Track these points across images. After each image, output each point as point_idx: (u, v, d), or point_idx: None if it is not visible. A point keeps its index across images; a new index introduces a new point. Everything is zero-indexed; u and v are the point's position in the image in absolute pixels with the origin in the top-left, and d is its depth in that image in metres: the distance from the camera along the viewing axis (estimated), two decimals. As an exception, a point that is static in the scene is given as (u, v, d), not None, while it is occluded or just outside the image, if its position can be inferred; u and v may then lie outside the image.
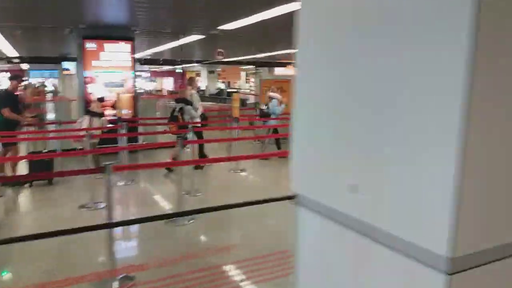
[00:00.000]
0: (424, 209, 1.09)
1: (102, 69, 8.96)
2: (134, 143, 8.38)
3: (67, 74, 17.02)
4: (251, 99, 17.64)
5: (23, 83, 10.97)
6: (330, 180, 1.46)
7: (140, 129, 9.38)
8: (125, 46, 9.10)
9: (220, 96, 22.39)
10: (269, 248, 3.92)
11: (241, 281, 3.54)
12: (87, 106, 8.32)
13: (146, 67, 23.39)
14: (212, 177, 7.53)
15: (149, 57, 16.01)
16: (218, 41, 11.10)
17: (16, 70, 21.71)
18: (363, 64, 1.27)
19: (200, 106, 8.03)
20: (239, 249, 4.16)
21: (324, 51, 1.45)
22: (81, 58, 8.88)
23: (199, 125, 7.81)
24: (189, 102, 7.54)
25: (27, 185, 6.50)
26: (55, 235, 2.65)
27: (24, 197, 6.27)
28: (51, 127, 9.29)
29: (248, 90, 24.25)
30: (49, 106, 12.20)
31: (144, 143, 9.19)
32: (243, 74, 28.33)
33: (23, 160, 6.91)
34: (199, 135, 7.68)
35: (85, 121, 7.30)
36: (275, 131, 9.10)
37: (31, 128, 8.22)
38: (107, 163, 3.28)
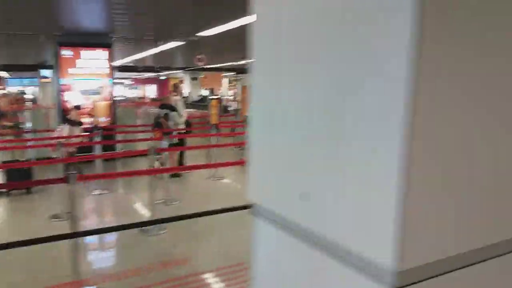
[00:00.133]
0: (370, 220, 1.05)
1: (79, 77, 8.82)
2: (110, 151, 8.22)
3: (45, 82, 16.75)
4: (234, 106, 17.60)
5: (0, 92, 10.78)
6: (283, 189, 1.41)
7: (119, 137, 9.24)
8: (102, 53, 8.99)
9: (202, 103, 22.33)
10: (238, 259, 3.85)
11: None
12: (66, 114, 8.18)
13: (128, 74, 23.18)
14: (190, 185, 7.44)
15: (130, 64, 15.86)
16: (198, 48, 11.05)
17: (-6, 78, 21.32)
18: (312, 72, 1.23)
19: (185, 112, 7.97)
20: (205, 260, 4.08)
21: (276, 60, 1.41)
22: (57, 66, 8.73)
23: (183, 131, 7.74)
24: (174, 108, 7.48)
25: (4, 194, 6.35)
26: (13, 246, 2.54)
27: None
28: (29, 136, 9.11)
29: (232, 97, 24.22)
30: (27, 114, 11.97)
31: (122, 151, 9.05)
32: (225, 80, 28.31)
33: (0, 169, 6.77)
34: (182, 142, 7.60)
35: (65, 130, 7.20)
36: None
37: (8, 137, 8.05)
38: (72, 172, 3.18)
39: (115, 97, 9.69)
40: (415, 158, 0.95)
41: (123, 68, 14.25)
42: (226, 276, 3.58)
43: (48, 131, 8.38)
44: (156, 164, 6.62)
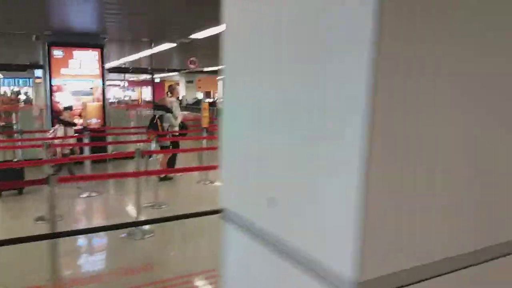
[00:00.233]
0: (330, 228, 1.00)
1: (70, 77, 8.75)
2: (99, 153, 8.14)
3: (39, 82, 16.64)
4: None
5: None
6: (251, 194, 1.36)
7: (110, 139, 9.16)
8: (94, 54, 8.93)
9: (197, 106, 22.28)
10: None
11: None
12: (58, 115, 8.12)
13: (122, 76, 23.10)
14: (180, 188, 7.37)
15: (123, 66, 15.81)
16: (191, 50, 11.01)
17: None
18: (277, 80, 1.20)
19: (180, 115, 7.91)
20: (187, 263, 4.02)
21: (244, 66, 1.37)
22: (48, 66, 8.66)
23: (177, 134, 7.69)
24: (169, 110, 7.43)
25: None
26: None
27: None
28: (19, 136, 9.03)
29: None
30: (21, 114, 11.88)
31: (112, 153, 8.97)
32: (220, 83, 28.16)
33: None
34: (175, 144, 7.55)
35: (60, 131, 7.16)
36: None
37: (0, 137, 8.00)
38: (53, 173, 3.12)
39: (108, 98, 9.63)
40: (374, 165, 0.90)
41: (116, 70, 14.17)
42: (209, 280, 3.52)
43: (40, 131, 8.30)
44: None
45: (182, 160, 8.06)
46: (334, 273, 0.98)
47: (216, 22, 7.41)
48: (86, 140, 7.15)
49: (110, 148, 8.90)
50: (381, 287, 0.97)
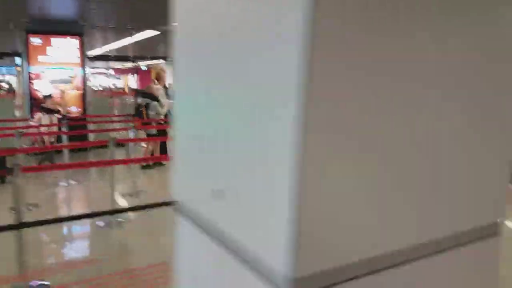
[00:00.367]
0: (267, 224, 0.99)
1: (49, 65, 8.59)
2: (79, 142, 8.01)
3: (20, 71, 16.32)
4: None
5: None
6: (199, 186, 1.35)
7: (91, 127, 9.05)
8: (73, 42, 8.76)
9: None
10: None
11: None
12: (39, 103, 8.01)
13: (108, 64, 22.76)
14: (161, 177, 7.31)
15: (106, 54, 15.54)
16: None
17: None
18: (218, 72, 1.19)
19: (167, 103, 7.79)
20: (156, 253, 4.00)
21: (193, 62, 1.36)
22: (25, 54, 8.49)
23: (163, 122, 7.59)
24: (155, 98, 7.32)
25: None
26: None
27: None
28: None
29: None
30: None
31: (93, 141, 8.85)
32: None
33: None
34: (163, 132, 7.47)
35: (44, 119, 7.08)
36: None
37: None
38: (16, 163, 3.06)
39: (94, 86, 9.47)
40: (309, 158, 0.88)
41: (98, 58, 13.96)
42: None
43: (20, 120, 8.17)
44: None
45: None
46: (271, 268, 0.97)
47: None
48: (63, 129, 7.04)
49: (91, 136, 8.79)
50: (317, 283, 0.96)
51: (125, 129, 6.95)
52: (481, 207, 1.28)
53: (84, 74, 9.11)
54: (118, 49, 14.64)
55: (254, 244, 1.05)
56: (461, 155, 1.16)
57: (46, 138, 7.02)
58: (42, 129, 7.13)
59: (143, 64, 21.86)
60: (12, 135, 5.97)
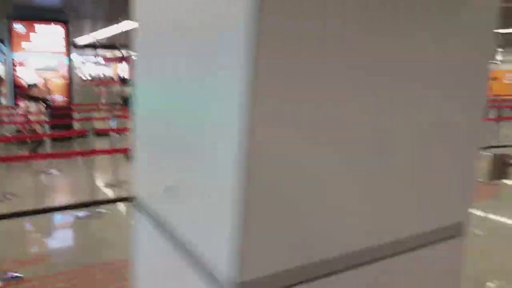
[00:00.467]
0: (214, 225, 0.95)
1: (33, 53, 8.43)
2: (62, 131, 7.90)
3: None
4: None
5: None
6: (155, 183, 1.31)
7: (76, 116, 8.92)
8: (58, 29, 8.60)
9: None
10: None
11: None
12: (25, 91, 7.89)
13: (96, 52, 22.49)
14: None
15: (92, 42, 15.31)
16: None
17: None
18: (168, 70, 1.16)
19: None
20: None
21: (149, 58, 1.32)
22: (8, 41, 8.33)
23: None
24: None
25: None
26: None
27: None
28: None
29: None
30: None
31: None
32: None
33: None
34: None
35: (31, 107, 6.99)
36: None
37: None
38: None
39: (81, 75, 9.32)
40: (254, 162, 0.83)
41: (84, 46, 13.75)
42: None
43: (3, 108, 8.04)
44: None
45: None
46: (216, 271, 0.93)
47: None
48: (46, 118, 6.95)
49: (77, 125, 8.67)
50: (265, 287, 0.92)
51: (107, 118, 6.85)
52: (445, 207, 1.26)
53: (70, 62, 8.96)
54: (107, 38, 14.44)
55: (201, 244, 1.01)
56: (423, 155, 1.13)
57: (37, 126, 6.93)
58: (31, 117, 7.03)
59: (131, 53, 21.57)
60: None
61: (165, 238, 1.21)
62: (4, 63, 17.84)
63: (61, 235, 4.22)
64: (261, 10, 0.77)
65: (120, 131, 7.13)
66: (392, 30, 0.95)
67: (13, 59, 8.36)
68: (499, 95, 14.74)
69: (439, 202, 1.23)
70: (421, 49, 1.02)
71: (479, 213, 4.61)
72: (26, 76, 8.34)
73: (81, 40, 13.69)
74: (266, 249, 0.91)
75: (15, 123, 7.31)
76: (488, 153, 5.90)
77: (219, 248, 0.92)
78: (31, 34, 8.39)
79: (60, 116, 7.82)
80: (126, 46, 12.84)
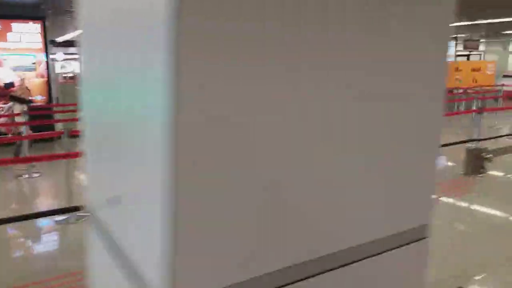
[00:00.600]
0: (146, 239, 0.89)
1: (10, 51, 8.23)
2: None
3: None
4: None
5: None
6: (100, 192, 1.25)
7: (58, 116, 8.74)
8: (35, 27, 8.40)
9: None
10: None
11: None
12: (10, 92, 7.71)
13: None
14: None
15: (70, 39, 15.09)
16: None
17: None
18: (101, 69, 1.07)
19: None
20: None
21: (90, 55, 1.25)
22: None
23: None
24: None
25: None
26: None
27: None
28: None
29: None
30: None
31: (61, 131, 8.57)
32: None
33: None
34: None
35: (16, 108, 6.84)
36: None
37: None
38: None
39: (64, 73, 9.10)
40: (183, 175, 0.77)
41: (63, 44, 13.51)
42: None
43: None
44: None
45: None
46: (151, 284, 0.87)
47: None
48: (24, 119, 6.80)
49: (59, 126, 8.50)
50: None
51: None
52: (407, 211, 1.22)
53: (48, 60, 8.77)
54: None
55: (136, 255, 0.95)
56: (380, 157, 1.08)
57: (22, 128, 6.78)
58: (16, 118, 6.89)
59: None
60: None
61: (107, 246, 1.15)
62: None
63: (37, 241, 4.12)
64: (180, 10, 0.71)
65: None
66: (320, 24, 0.89)
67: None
68: (483, 86, 14.84)
69: (401, 205, 1.19)
70: (361, 43, 0.96)
71: (459, 207, 4.62)
72: (4, 75, 8.15)
73: (64, 38, 13.47)
74: (202, 262, 0.85)
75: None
76: (468, 147, 5.93)
77: (151, 262, 0.86)
78: (7, 33, 8.19)
79: (39, 117, 7.66)
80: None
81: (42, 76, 8.66)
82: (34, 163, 6.15)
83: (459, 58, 19.15)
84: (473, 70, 15.80)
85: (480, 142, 6.37)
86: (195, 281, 0.84)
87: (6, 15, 8.10)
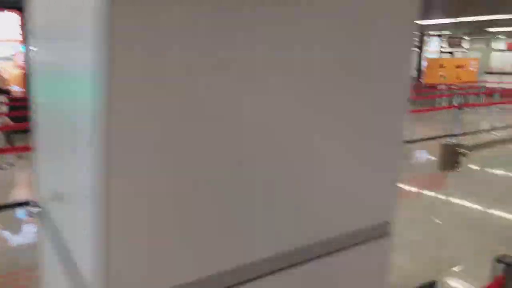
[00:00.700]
0: (83, 235, 0.84)
1: (-14, 42, 8.05)
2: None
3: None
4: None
5: None
6: (48, 186, 1.19)
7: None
8: (12, 16, 8.20)
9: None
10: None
11: None
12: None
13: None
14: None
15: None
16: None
17: None
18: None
19: None
20: None
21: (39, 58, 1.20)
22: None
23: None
24: None
25: None
26: None
27: None
28: None
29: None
30: None
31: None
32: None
33: None
34: None
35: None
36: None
37: None
38: None
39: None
40: (115, 184, 0.72)
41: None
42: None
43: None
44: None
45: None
46: (87, 283, 0.83)
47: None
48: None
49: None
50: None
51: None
52: (370, 208, 1.20)
53: (26, 51, 8.57)
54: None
55: (76, 254, 0.90)
56: (344, 154, 1.05)
57: (7, 119, 6.65)
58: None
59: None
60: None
61: (54, 244, 1.10)
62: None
63: (6, 234, 4.02)
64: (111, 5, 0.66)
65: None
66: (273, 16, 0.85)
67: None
68: (466, 82, 15.01)
69: (363, 203, 1.17)
70: (313, 40, 0.92)
71: (433, 201, 4.65)
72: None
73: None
74: (138, 262, 0.80)
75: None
76: (445, 142, 5.97)
77: (86, 258, 0.81)
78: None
79: (17, 108, 7.50)
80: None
81: (20, 67, 8.47)
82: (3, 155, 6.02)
83: (443, 55, 19.31)
84: (457, 67, 15.94)
85: (459, 137, 6.42)
86: (131, 281, 0.79)
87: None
